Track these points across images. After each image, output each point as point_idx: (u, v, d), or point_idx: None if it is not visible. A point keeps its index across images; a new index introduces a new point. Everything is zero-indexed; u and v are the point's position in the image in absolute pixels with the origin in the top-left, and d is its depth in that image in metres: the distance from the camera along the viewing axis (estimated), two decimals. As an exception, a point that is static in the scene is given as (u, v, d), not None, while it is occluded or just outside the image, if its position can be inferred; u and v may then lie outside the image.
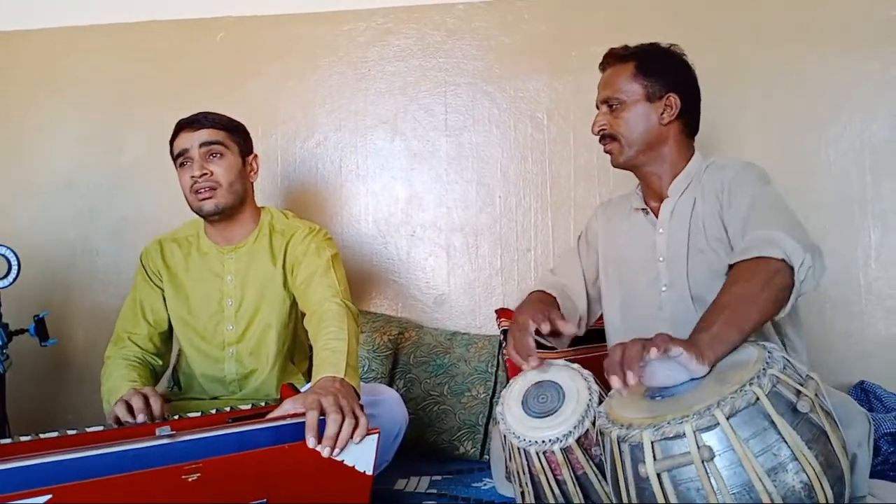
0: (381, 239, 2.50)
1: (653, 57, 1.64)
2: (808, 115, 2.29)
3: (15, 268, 1.98)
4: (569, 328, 1.49)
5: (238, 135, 1.87)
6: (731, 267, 1.33)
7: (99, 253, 2.54)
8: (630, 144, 1.63)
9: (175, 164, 1.84)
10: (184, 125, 1.82)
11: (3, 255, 1.98)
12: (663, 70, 1.63)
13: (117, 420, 1.49)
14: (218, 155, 1.81)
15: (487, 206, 2.45)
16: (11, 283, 1.98)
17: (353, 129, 2.51)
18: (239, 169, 1.84)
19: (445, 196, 2.47)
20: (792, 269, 1.27)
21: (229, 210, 1.83)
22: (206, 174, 1.78)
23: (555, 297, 1.68)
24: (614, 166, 1.69)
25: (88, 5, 2.57)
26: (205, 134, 1.80)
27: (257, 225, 1.90)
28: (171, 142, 1.84)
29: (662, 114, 1.61)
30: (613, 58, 1.67)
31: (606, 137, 1.66)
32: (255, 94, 2.50)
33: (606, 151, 1.68)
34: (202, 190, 1.78)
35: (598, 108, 1.69)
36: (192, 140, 1.79)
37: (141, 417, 1.48)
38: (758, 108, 2.31)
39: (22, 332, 2.02)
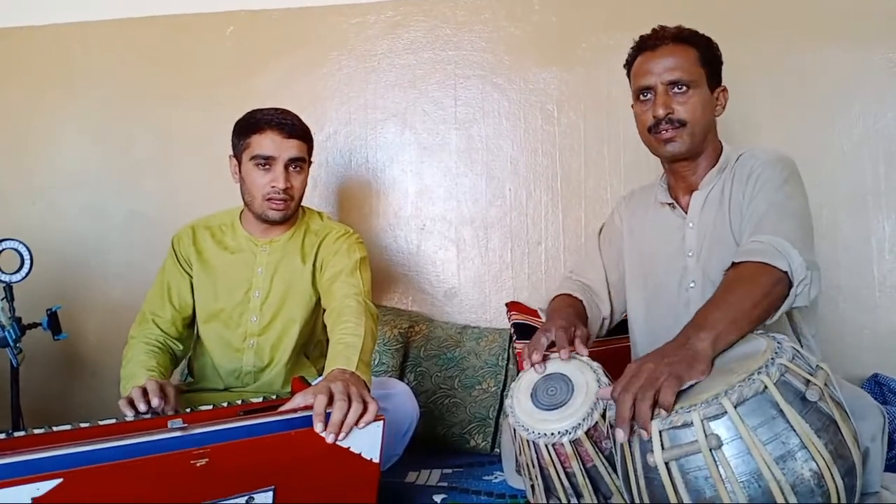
0: (390, 232, 2.50)
1: (710, 47, 1.57)
2: (820, 106, 2.27)
3: (27, 262, 2.01)
4: (583, 352, 1.41)
5: (311, 146, 1.88)
6: (736, 263, 1.31)
7: (110, 248, 2.56)
8: (694, 133, 1.53)
9: (243, 153, 1.80)
10: (273, 124, 1.78)
11: (15, 250, 2.00)
12: (718, 62, 1.58)
13: (130, 403, 1.50)
14: (299, 169, 1.82)
15: (497, 199, 2.45)
16: (24, 278, 2.01)
17: (362, 123, 2.51)
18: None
19: (455, 189, 2.47)
20: (791, 283, 1.27)
21: (290, 218, 1.86)
22: (289, 187, 1.79)
23: (581, 301, 1.65)
24: (669, 156, 1.57)
25: (97, 1, 2.58)
26: (294, 148, 1.79)
27: (295, 223, 1.92)
28: (247, 133, 1.79)
29: (717, 106, 1.58)
30: (671, 38, 1.55)
31: (671, 122, 1.52)
32: (264, 88, 2.50)
33: (665, 140, 1.54)
34: (278, 200, 1.79)
35: (647, 90, 1.55)
36: (280, 149, 1.77)
37: (156, 401, 1.50)
38: (769, 101, 2.29)
39: (35, 325, 2.04)
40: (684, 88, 1.52)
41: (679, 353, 1.15)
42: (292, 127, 1.80)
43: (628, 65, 1.63)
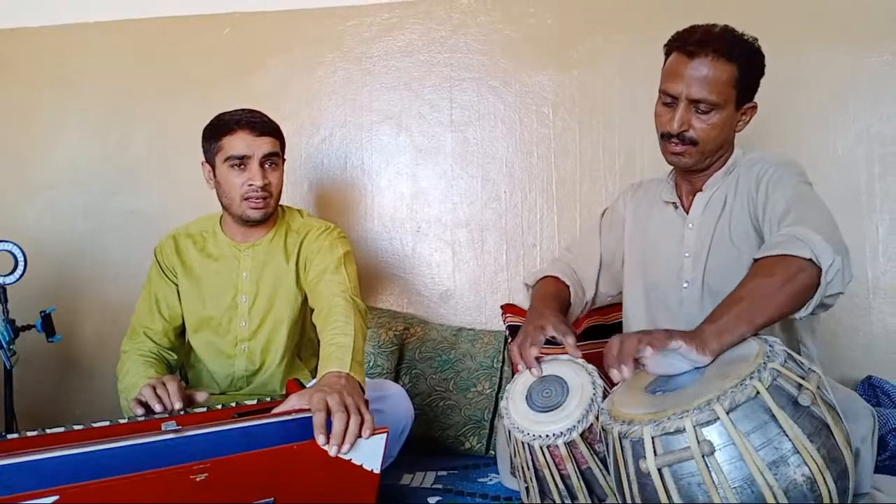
0: (386, 235, 2.50)
1: (755, 64, 1.51)
2: (814, 107, 2.27)
3: (21, 264, 2.00)
4: (577, 354, 1.41)
5: (283, 142, 1.87)
6: (755, 261, 1.29)
7: (106, 248, 2.56)
8: (705, 152, 1.51)
9: (215, 157, 1.80)
10: (243, 124, 1.77)
11: (9, 251, 1.99)
12: (758, 79, 1.53)
13: (143, 405, 1.49)
14: (274, 165, 1.82)
15: (493, 202, 2.45)
16: (18, 279, 2.00)
17: (358, 125, 2.51)
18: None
19: (451, 191, 2.47)
20: (819, 269, 1.22)
21: (270, 216, 1.85)
22: (267, 184, 1.78)
23: (568, 287, 1.65)
24: (680, 167, 1.57)
25: (94, 2, 2.57)
26: (267, 144, 1.79)
27: (275, 224, 1.91)
28: (217, 136, 1.79)
29: (739, 122, 1.54)
30: (712, 50, 1.45)
31: (682, 139, 1.50)
32: (260, 90, 2.49)
33: (675, 153, 1.52)
34: (257, 198, 1.78)
35: (669, 96, 1.50)
36: (253, 147, 1.77)
37: (160, 407, 1.48)
38: (764, 102, 2.27)
39: (29, 327, 2.04)
40: (707, 109, 1.47)
41: (682, 331, 1.21)
42: (263, 124, 1.80)
43: (666, 48, 1.55)
